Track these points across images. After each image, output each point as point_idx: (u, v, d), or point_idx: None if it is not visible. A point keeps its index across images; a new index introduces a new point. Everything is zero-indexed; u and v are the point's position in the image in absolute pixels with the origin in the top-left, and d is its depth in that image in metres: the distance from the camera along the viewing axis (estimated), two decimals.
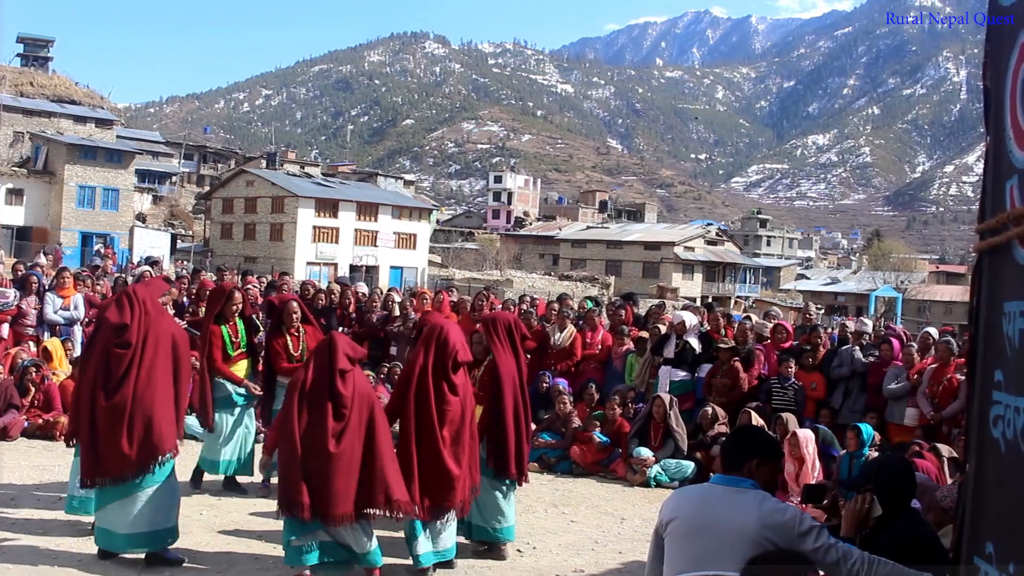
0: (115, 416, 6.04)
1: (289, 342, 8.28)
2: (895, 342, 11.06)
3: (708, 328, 12.03)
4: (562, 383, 11.60)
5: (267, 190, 65.17)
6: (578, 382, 11.90)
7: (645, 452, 10.21)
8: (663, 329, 11.78)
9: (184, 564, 6.25)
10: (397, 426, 6.32)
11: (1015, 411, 2.47)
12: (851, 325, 12.24)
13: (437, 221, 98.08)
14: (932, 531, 4.45)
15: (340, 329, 12.49)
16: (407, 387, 6.27)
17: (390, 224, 67.40)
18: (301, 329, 8.41)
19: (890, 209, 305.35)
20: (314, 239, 63.08)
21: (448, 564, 6.44)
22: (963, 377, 9.65)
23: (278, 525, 6.03)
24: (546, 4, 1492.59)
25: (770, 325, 12.36)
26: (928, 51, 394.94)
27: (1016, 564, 2.42)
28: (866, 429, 9.13)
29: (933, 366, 10.24)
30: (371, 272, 60.44)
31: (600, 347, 12.35)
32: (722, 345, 11.28)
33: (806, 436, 9.21)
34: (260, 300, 13.42)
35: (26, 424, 10.37)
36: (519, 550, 7.11)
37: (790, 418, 9.63)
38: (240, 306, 8.38)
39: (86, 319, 12.50)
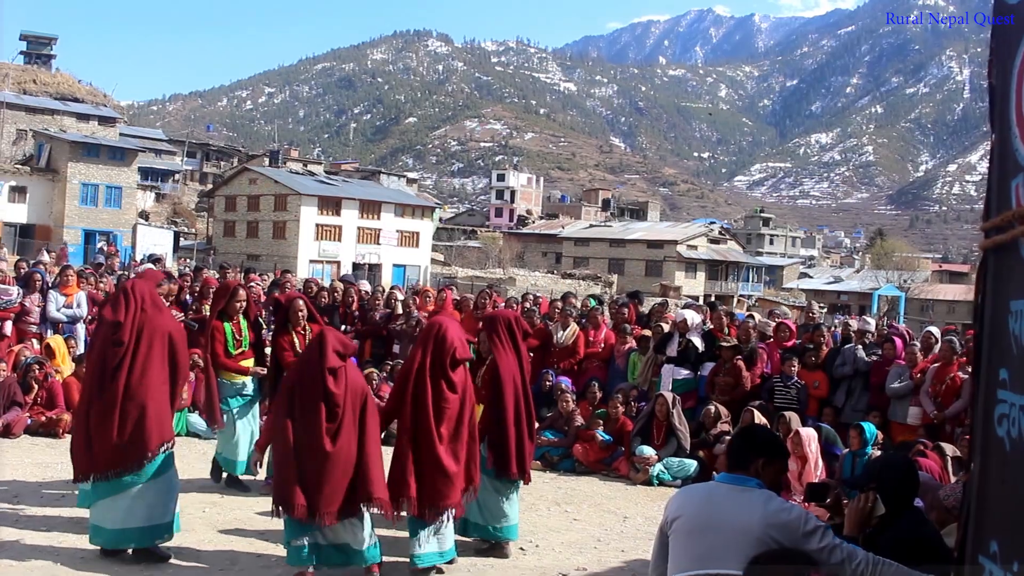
0: (106, 412, 6.07)
1: (296, 340, 8.19)
2: (898, 341, 11.04)
3: (711, 327, 12.01)
4: (565, 381, 11.59)
5: (270, 188, 65.21)
6: (581, 380, 11.90)
7: (648, 450, 10.20)
8: (666, 327, 11.76)
9: (170, 561, 6.23)
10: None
11: (1020, 410, 2.47)
12: (854, 324, 12.24)
13: (440, 219, 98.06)
14: (935, 530, 4.45)
15: (343, 327, 12.51)
16: (405, 385, 6.26)
17: (393, 222, 67.44)
18: (307, 328, 8.39)
19: (893, 208, 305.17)
20: (317, 237, 63.13)
21: (450, 562, 6.43)
22: (966, 376, 9.65)
23: (280, 523, 6.03)
24: (549, 2, 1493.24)
25: (773, 324, 12.35)
26: (931, 50, 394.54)
27: (1020, 563, 2.41)
28: (869, 428, 9.11)
29: (936, 365, 10.23)
30: (374, 270, 60.53)
31: (603, 345, 12.34)
32: (725, 344, 11.26)
33: (809, 435, 9.20)
34: (263, 298, 13.45)
35: (29, 421, 10.38)
36: (522, 548, 7.10)
37: (793, 417, 9.62)
38: (244, 304, 8.35)
39: (89, 316, 12.52)
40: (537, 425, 9.86)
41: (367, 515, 5.96)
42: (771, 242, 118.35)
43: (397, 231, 67.42)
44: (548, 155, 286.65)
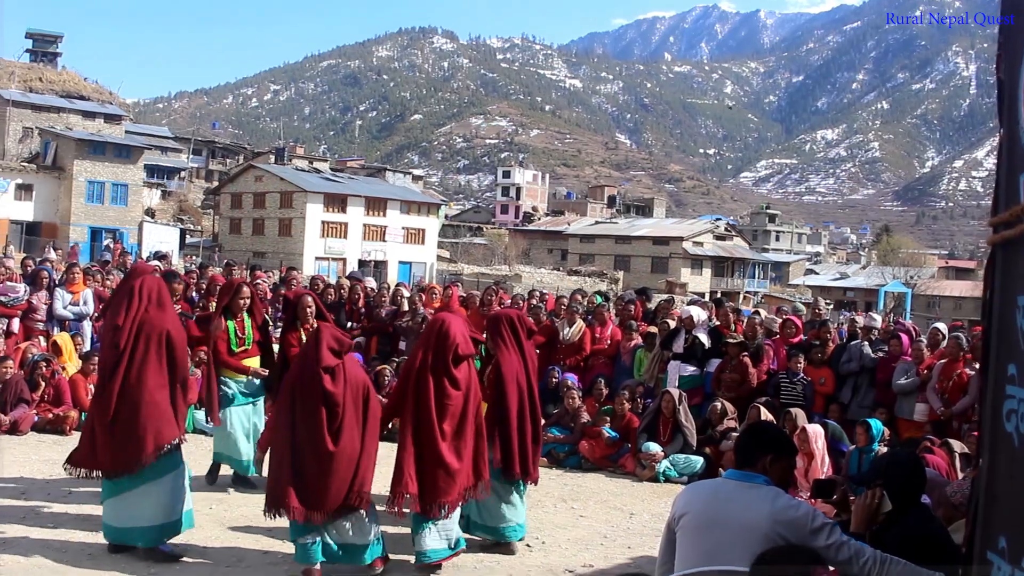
0: (103, 414, 6.12)
1: (304, 337, 8.08)
2: (904, 337, 11.02)
3: (717, 323, 12.01)
4: (571, 378, 11.60)
5: (276, 185, 65.29)
6: (587, 377, 11.90)
7: (654, 447, 10.19)
8: (672, 324, 11.76)
9: (184, 559, 6.23)
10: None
11: None
12: (860, 320, 12.23)
13: (445, 216, 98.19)
14: (942, 527, 4.44)
15: (349, 324, 12.53)
16: (407, 382, 6.26)
17: (399, 219, 67.49)
18: (316, 325, 8.34)
19: (899, 204, 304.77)
20: (323, 234, 63.19)
21: (459, 551, 6.42)
22: (972, 372, 9.63)
23: (287, 522, 6.03)
24: None
25: (779, 320, 12.33)
26: (937, 46, 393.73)
27: None
28: (875, 425, 9.10)
29: (942, 361, 10.20)
30: (379, 267, 60.53)
31: (609, 342, 12.34)
32: (731, 340, 11.26)
33: (815, 431, 9.20)
34: (269, 295, 13.47)
35: (36, 419, 10.40)
36: (528, 545, 7.10)
37: (799, 413, 9.61)
38: (248, 301, 8.27)
39: (95, 314, 12.54)
40: (543, 422, 9.87)
41: (372, 511, 5.97)
42: (777, 238, 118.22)
43: (403, 228, 67.45)
44: (554, 152, 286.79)
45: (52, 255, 22.10)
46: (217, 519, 7.28)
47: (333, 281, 16.54)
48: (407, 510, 6.07)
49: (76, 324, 12.63)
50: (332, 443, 5.73)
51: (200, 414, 10.91)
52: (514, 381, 6.76)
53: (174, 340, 6.34)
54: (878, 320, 12.65)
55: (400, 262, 65.52)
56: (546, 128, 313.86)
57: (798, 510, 3.70)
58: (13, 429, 10.07)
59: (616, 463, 10.50)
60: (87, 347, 12.15)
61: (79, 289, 12.73)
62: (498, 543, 6.90)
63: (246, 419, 8.28)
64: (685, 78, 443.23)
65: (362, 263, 60.68)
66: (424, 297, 13.39)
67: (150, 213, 66.88)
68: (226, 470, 8.49)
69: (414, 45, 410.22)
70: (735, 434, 9.78)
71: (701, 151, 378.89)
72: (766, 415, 9.63)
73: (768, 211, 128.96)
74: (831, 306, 55.64)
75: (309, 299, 8.42)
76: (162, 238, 51.84)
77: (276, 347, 8.60)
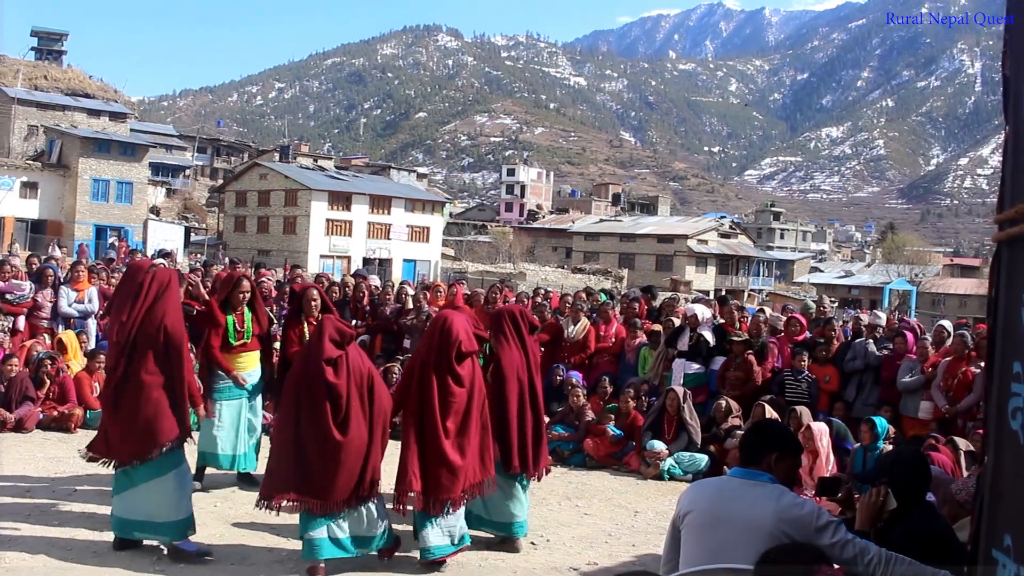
0: (108, 408, 6.25)
1: (306, 332, 8.02)
2: (909, 335, 10.99)
3: (722, 321, 12.00)
4: (576, 376, 11.59)
5: (280, 183, 65.31)
6: (592, 375, 11.90)
7: (659, 445, 10.19)
8: (677, 322, 11.76)
9: (208, 559, 6.20)
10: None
11: None
12: (865, 318, 12.18)
13: (450, 214, 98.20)
14: (947, 524, 4.43)
15: (353, 322, 12.52)
16: (410, 379, 6.26)
17: (403, 217, 67.47)
18: (320, 319, 8.29)
19: (904, 202, 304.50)
20: (327, 232, 63.19)
21: (463, 547, 6.42)
22: (977, 370, 9.61)
23: (292, 519, 6.03)
24: None
25: (784, 318, 12.31)
26: (942, 43, 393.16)
27: None
28: (880, 422, 9.09)
29: (947, 359, 10.18)
30: (384, 265, 60.53)
31: (614, 340, 12.33)
32: (736, 338, 11.24)
33: (820, 429, 9.19)
34: (274, 294, 13.45)
35: (41, 416, 10.41)
36: (532, 543, 7.09)
37: (804, 411, 9.60)
38: (248, 295, 8.17)
39: (100, 311, 12.55)
40: (547, 420, 9.87)
41: (381, 501, 5.98)
42: (782, 236, 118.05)
43: (407, 226, 67.43)
44: (558, 150, 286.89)
45: (57, 253, 22.13)
46: (222, 517, 7.28)
47: (337, 279, 16.55)
48: (410, 507, 6.08)
49: (81, 322, 12.65)
50: (339, 433, 5.74)
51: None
52: (514, 375, 6.76)
53: (172, 337, 6.26)
54: (883, 318, 12.63)
55: (404, 260, 65.52)
56: (550, 126, 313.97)
57: (803, 508, 3.69)
58: (18, 427, 10.08)
59: (620, 461, 10.49)
60: (92, 345, 12.17)
61: (84, 287, 12.75)
62: (503, 540, 6.90)
63: (236, 414, 8.14)
64: (690, 76, 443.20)
65: (366, 261, 60.67)
66: (428, 295, 13.39)
67: (155, 211, 67.00)
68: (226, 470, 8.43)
69: (419, 43, 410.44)
70: (739, 432, 9.78)
71: (706, 149, 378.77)
72: (771, 413, 9.62)
73: (773, 209, 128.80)
74: (836, 304, 55.62)
75: (315, 292, 8.37)
76: (167, 236, 51.83)
77: (277, 345, 8.56)
